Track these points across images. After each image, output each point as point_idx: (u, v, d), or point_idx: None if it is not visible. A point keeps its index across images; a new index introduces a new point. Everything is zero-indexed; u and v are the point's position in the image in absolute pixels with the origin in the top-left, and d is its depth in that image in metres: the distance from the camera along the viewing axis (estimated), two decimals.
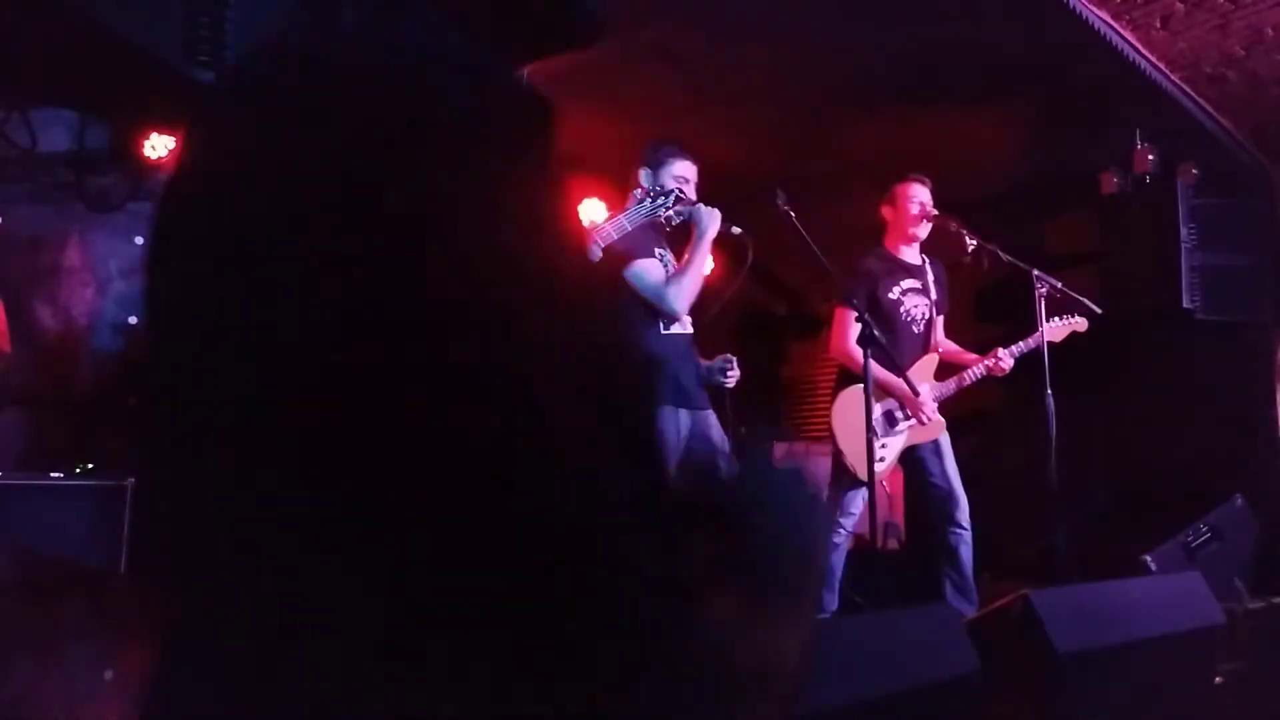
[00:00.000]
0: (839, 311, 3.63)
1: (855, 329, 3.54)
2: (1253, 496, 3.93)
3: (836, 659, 1.53)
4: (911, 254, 3.73)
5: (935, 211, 3.64)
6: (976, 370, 3.63)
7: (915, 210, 3.62)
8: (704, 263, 3.16)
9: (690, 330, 3.25)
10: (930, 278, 3.72)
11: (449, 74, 0.59)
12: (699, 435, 3.25)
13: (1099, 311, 3.57)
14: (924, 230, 3.66)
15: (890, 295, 3.61)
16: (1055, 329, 3.63)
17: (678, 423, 3.19)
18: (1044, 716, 2.01)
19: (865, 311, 3.17)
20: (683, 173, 3.22)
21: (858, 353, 3.56)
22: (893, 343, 3.38)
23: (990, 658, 1.85)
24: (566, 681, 0.52)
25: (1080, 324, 3.65)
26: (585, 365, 0.57)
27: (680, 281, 3.14)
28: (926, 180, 3.68)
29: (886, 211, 3.76)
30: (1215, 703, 2.72)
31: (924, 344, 3.69)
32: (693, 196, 3.22)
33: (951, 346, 3.77)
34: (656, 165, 3.21)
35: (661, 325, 3.20)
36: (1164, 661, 2.37)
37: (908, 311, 3.63)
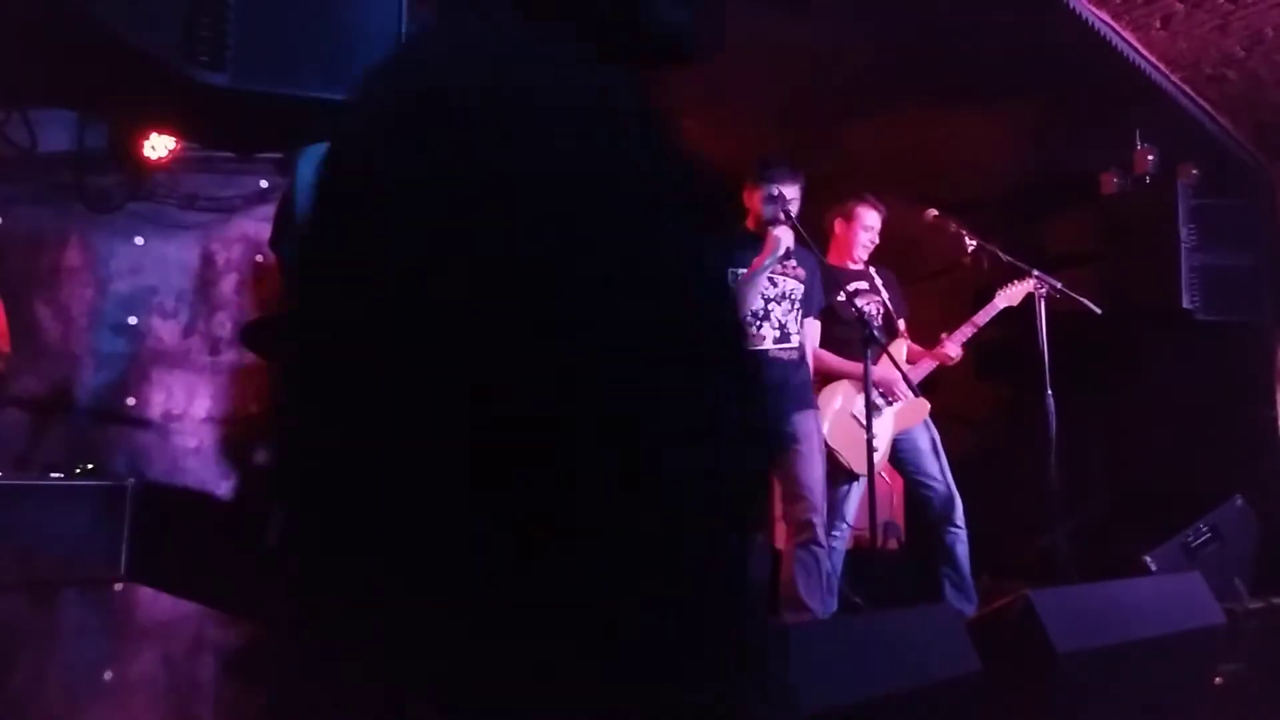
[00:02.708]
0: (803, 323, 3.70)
1: (816, 335, 3.67)
2: (1252, 497, 3.93)
3: (837, 659, 1.53)
4: (855, 264, 3.82)
5: (876, 241, 3.77)
6: (927, 362, 3.71)
7: (865, 236, 3.75)
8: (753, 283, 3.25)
9: (765, 347, 3.31)
10: (878, 281, 3.80)
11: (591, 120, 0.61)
12: None
13: (1098, 311, 3.57)
14: (865, 252, 3.78)
15: (840, 299, 3.68)
16: (1009, 294, 3.66)
17: None
18: (1044, 716, 2.01)
19: (857, 316, 3.22)
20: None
21: (825, 354, 3.64)
22: (856, 338, 3.42)
23: (990, 658, 1.85)
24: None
25: (1029, 285, 3.63)
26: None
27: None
28: (881, 207, 3.73)
29: (838, 225, 3.82)
30: (1215, 703, 2.72)
31: (887, 335, 3.75)
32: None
33: (915, 348, 3.83)
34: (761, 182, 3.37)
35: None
36: (1164, 662, 2.37)
37: (862, 309, 3.70)
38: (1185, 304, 4.05)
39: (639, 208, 0.61)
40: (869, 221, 3.74)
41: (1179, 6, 3.45)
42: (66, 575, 3.07)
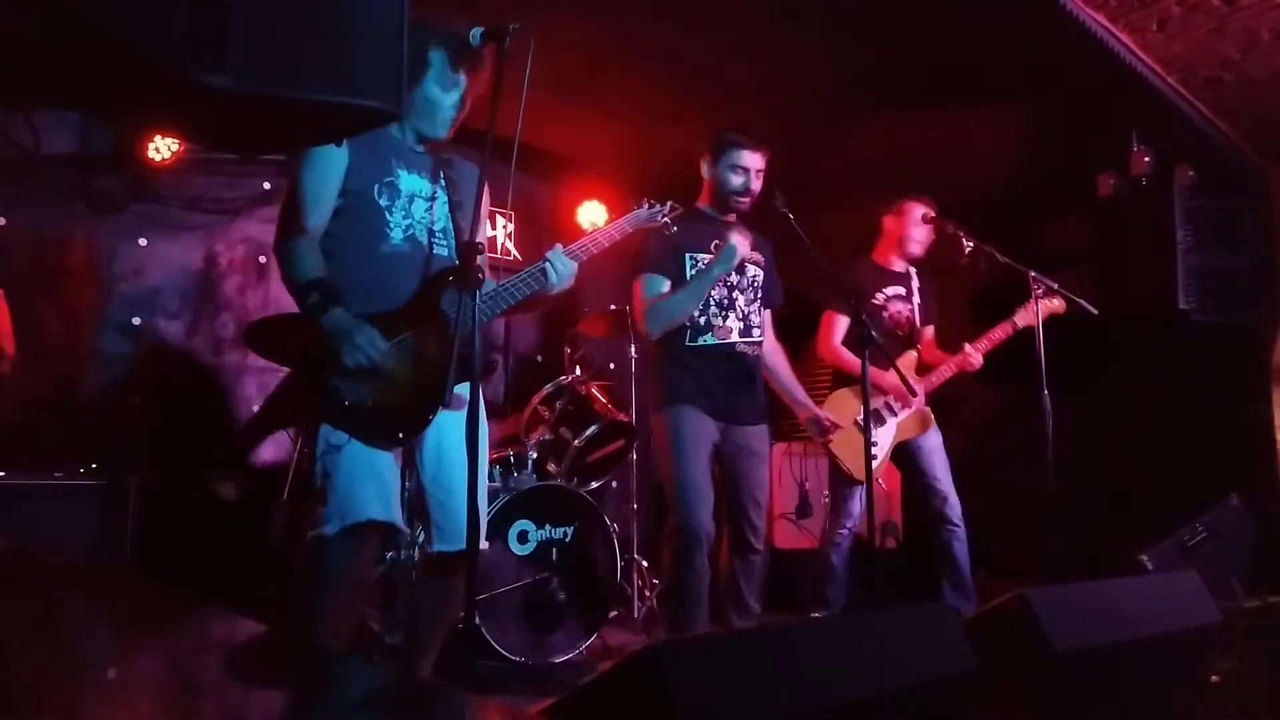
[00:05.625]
0: (826, 315, 3.75)
1: (841, 330, 3.68)
2: (1249, 496, 3.95)
3: (833, 657, 1.55)
4: (899, 263, 3.86)
5: (933, 234, 3.81)
6: (948, 368, 3.73)
7: (917, 230, 3.78)
8: (697, 291, 3.07)
9: (731, 340, 3.17)
10: (915, 285, 3.84)
11: None
12: (732, 447, 3.18)
13: (1095, 312, 3.59)
14: (918, 247, 3.81)
15: (875, 301, 3.76)
16: (1029, 314, 3.65)
17: (701, 427, 3.11)
18: (1041, 714, 2.02)
19: (854, 315, 3.22)
20: (745, 163, 3.14)
21: (844, 352, 3.67)
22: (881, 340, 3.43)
23: (987, 656, 1.86)
24: None
25: (1057, 307, 3.66)
26: None
27: (661, 305, 3.09)
28: (930, 203, 3.77)
29: (888, 221, 3.86)
30: (1211, 701, 2.73)
31: (905, 344, 3.81)
32: (755, 186, 3.16)
33: (937, 353, 3.88)
34: (717, 154, 3.17)
35: (687, 336, 3.15)
36: (1160, 660, 2.39)
37: (891, 316, 3.79)
38: (1181, 305, 4.07)
39: None
40: (919, 215, 3.77)
41: (1175, 9, 3.47)
42: (70, 574, 3.09)
